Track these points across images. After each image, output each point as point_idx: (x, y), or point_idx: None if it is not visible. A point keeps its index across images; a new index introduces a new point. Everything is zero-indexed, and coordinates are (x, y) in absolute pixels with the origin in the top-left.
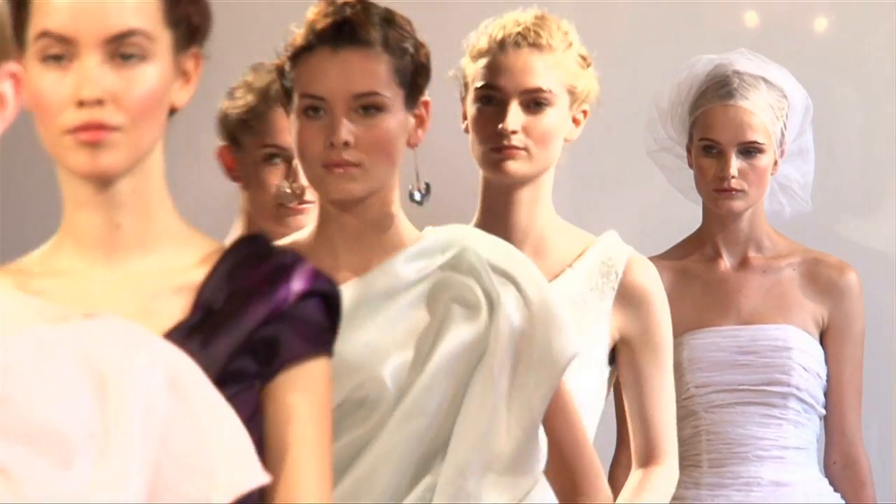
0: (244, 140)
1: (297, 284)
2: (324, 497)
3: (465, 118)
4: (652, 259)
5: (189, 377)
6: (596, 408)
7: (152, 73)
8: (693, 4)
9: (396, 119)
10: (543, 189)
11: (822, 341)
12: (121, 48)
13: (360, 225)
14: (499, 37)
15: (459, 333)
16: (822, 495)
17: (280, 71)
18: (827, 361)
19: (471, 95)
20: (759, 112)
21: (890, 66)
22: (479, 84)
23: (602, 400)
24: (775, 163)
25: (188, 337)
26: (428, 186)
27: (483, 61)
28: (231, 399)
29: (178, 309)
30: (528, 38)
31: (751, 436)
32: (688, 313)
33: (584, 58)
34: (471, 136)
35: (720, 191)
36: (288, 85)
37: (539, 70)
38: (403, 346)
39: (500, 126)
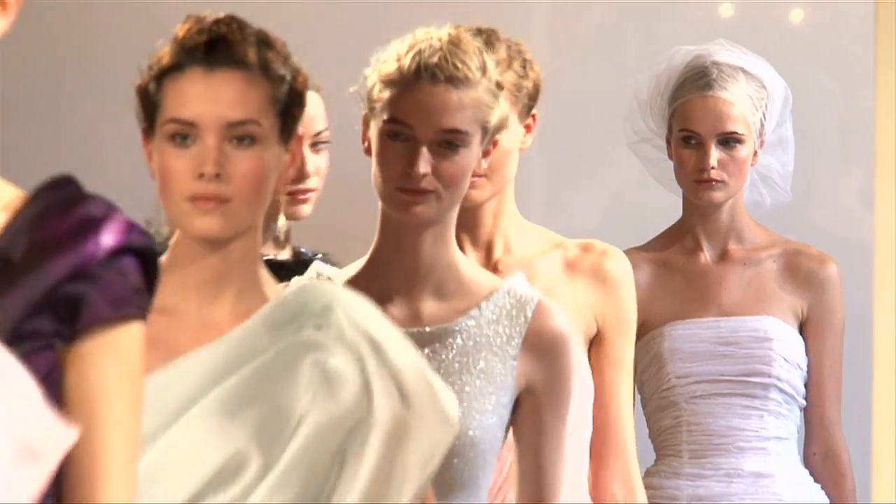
0: None
1: (108, 238)
2: (129, 478)
3: (364, 139)
4: (632, 251)
5: None
6: (496, 453)
7: None
8: None
9: (271, 153)
10: (448, 226)
11: (802, 333)
12: None
13: (224, 268)
14: (412, 67)
15: (328, 406)
16: (802, 486)
17: (142, 92)
18: (807, 353)
19: (377, 123)
20: (738, 103)
21: (867, 55)
22: (388, 117)
23: (500, 450)
24: (755, 153)
25: None
26: (288, 232)
27: (393, 91)
28: (24, 358)
29: None
30: (444, 71)
31: (732, 427)
32: (669, 305)
33: (498, 84)
34: (374, 168)
35: (700, 182)
36: (150, 108)
37: (455, 109)
38: (268, 417)
39: (409, 168)
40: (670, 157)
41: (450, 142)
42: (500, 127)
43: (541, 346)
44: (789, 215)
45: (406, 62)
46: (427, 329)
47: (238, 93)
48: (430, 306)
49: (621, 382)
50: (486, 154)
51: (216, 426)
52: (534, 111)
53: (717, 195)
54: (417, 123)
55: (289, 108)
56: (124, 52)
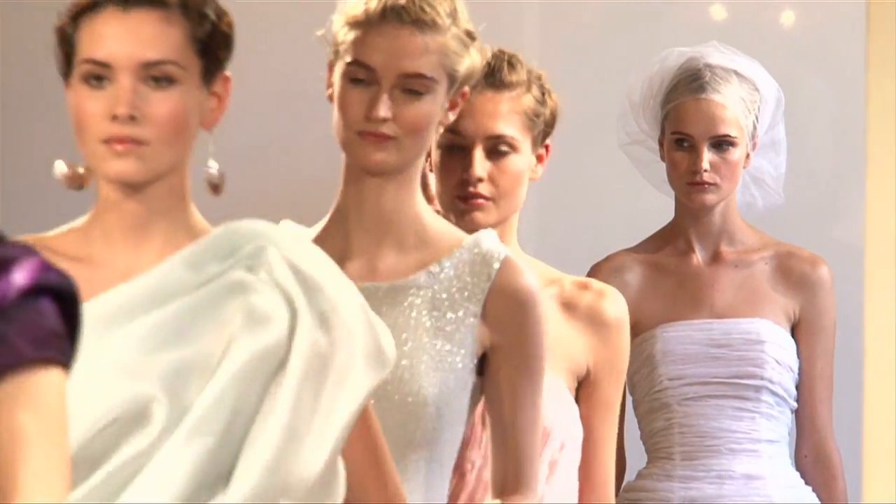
0: None
1: (19, 278)
2: None
3: (329, 85)
4: (623, 252)
5: None
6: (458, 416)
7: None
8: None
9: (191, 94)
10: (412, 178)
11: (794, 334)
12: None
13: (146, 213)
14: (378, 8)
15: (252, 344)
16: (794, 488)
17: (60, 34)
18: (799, 355)
19: (340, 67)
20: (730, 105)
21: (858, 56)
22: (350, 60)
23: (465, 414)
24: (747, 156)
25: None
26: (223, 176)
27: (358, 33)
28: None
29: None
30: (410, 13)
31: (724, 429)
32: (661, 306)
33: (469, 34)
34: (335, 113)
35: (692, 184)
36: (67, 50)
37: (420, 53)
38: (183, 359)
39: (369, 112)
40: (663, 159)
41: (412, 88)
42: (469, 77)
43: (506, 304)
44: (781, 217)
45: (373, 4)
46: (383, 284)
47: (155, 32)
48: (389, 261)
49: (607, 425)
50: (452, 106)
51: (125, 366)
52: (547, 141)
53: (710, 198)
54: (380, 66)
55: (212, 49)
56: None
